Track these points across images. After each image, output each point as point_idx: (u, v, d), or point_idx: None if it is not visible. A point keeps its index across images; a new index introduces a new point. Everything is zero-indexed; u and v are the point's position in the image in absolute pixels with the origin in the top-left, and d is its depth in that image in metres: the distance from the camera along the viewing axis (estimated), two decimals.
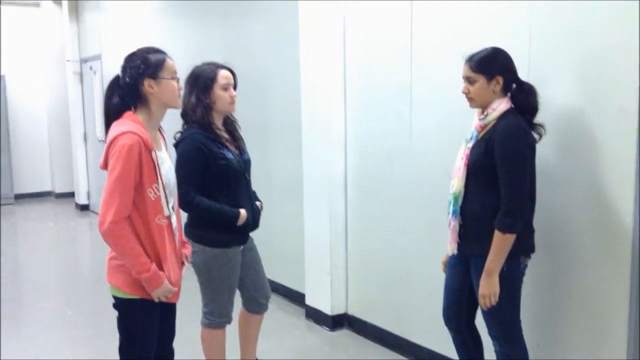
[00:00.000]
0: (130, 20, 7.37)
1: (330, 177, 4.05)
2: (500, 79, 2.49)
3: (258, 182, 3.26)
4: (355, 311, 4.13)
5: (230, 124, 3.06)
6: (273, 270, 3.81)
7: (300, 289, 4.52)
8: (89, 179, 9.43)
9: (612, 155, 2.50)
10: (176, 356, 2.62)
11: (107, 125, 2.34)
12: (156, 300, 2.32)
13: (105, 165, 2.27)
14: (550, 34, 2.72)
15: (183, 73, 2.87)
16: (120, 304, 2.35)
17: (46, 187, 10.67)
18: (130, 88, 2.30)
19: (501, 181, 2.46)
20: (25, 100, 10.30)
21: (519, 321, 2.63)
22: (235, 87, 2.99)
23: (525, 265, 2.62)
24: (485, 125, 2.57)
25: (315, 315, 4.30)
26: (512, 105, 2.53)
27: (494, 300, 2.50)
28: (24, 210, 9.57)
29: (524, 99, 2.51)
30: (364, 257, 4.03)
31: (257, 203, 3.13)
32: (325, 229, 4.10)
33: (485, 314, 2.63)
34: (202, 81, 2.90)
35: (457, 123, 3.18)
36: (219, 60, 3.03)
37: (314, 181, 4.18)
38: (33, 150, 10.44)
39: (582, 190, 2.63)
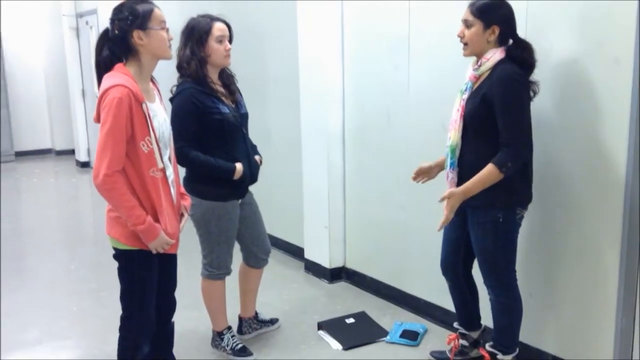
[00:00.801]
0: None
1: (328, 130, 4.05)
2: (497, 29, 2.49)
3: (256, 136, 3.26)
4: (353, 264, 4.20)
5: (226, 77, 3.04)
6: (272, 224, 3.85)
7: (299, 243, 4.58)
8: (88, 136, 9.41)
9: (608, 106, 2.50)
10: (178, 306, 2.68)
11: (99, 78, 2.33)
12: (153, 251, 2.36)
13: (98, 119, 2.27)
14: None
15: (177, 28, 2.84)
16: (119, 255, 2.39)
17: (46, 145, 10.67)
18: (120, 40, 2.28)
19: (501, 128, 2.46)
20: (22, 56, 10.21)
21: (514, 271, 2.68)
22: (230, 40, 2.97)
23: (522, 217, 2.65)
24: (480, 76, 2.57)
25: (313, 269, 4.37)
26: (506, 56, 2.50)
27: (444, 221, 2.54)
28: (25, 168, 9.60)
29: (519, 55, 2.50)
30: (362, 211, 4.07)
31: (257, 157, 3.14)
32: (324, 183, 4.12)
33: (481, 263, 2.68)
34: (196, 33, 2.87)
35: (455, 75, 3.16)
36: (215, 13, 3.00)
37: (312, 135, 4.18)
38: (32, 107, 10.40)
39: (577, 140, 2.64)
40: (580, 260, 2.69)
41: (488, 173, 2.46)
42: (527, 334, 2.89)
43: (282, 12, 4.48)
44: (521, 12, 2.71)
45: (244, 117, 3.06)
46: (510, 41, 2.54)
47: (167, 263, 2.50)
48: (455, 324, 3.01)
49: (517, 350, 2.76)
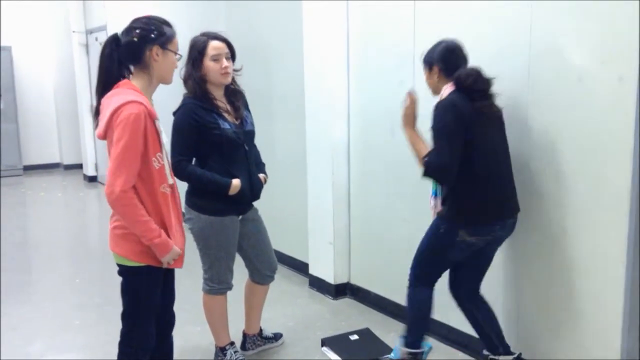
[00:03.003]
0: None
1: (333, 146, 4.06)
2: (436, 68, 2.71)
3: (261, 152, 3.27)
4: (358, 280, 4.18)
5: (231, 94, 3.05)
6: (277, 239, 3.84)
7: (304, 259, 4.57)
8: (96, 151, 9.48)
9: (612, 122, 2.50)
10: (181, 321, 2.67)
11: (101, 88, 2.31)
12: (165, 265, 2.36)
13: (104, 135, 2.26)
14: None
15: (186, 45, 2.87)
16: (126, 272, 2.38)
17: (55, 159, 10.75)
18: (134, 49, 2.28)
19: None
20: (32, 72, 10.34)
21: (435, 275, 2.87)
22: (233, 58, 2.98)
23: (465, 242, 2.66)
24: None
25: (318, 284, 4.35)
26: (456, 88, 2.63)
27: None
28: (33, 181, 9.67)
29: (465, 83, 2.61)
30: (367, 227, 4.06)
31: (261, 175, 3.13)
32: (328, 198, 4.12)
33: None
34: (193, 53, 2.90)
35: None
36: (221, 29, 3.02)
37: (317, 151, 4.19)
38: (41, 121, 10.51)
39: (583, 158, 2.64)
40: (586, 277, 2.67)
41: (419, 150, 2.72)
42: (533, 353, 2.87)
43: (288, 28, 4.52)
44: (524, 31, 2.74)
45: (248, 134, 3.05)
46: (457, 72, 2.65)
47: (167, 277, 2.50)
48: (484, 351, 2.97)
49: (421, 349, 2.87)
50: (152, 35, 2.28)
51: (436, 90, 2.75)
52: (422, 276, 2.87)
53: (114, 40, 2.31)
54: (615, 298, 2.54)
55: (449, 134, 2.55)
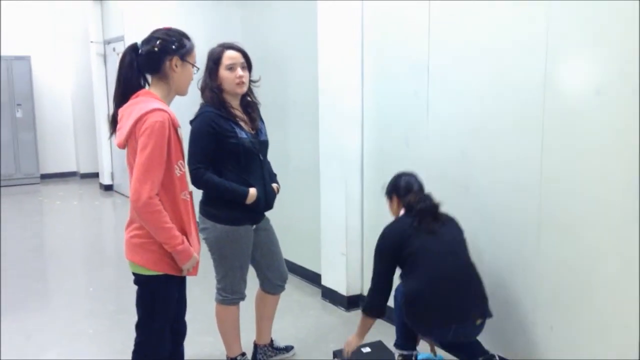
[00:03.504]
0: (153, 2, 7.42)
1: (346, 157, 4.06)
2: (394, 196, 3.10)
3: (274, 162, 3.28)
4: None
5: (246, 104, 3.07)
6: (289, 249, 3.85)
7: (317, 269, 4.56)
8: (112, 160, 9.57)
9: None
10: (194, 331, 2.67)
11: (119, 96, 2.34)
12: (184, 273, 2.37)
13: (124, 144, 2.29)
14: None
15: (203, 56, 2.90)
16: (144, 281, 2.38)
17: (71, 168, 10.86)
18: (154, 59, 2.31)
19: None
20: (50, 81, 10.47)
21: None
22: (249, 68, 3.00)
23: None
24: None
25: (330, 296, 4.34)
26: (405, 211, 3.01)
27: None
28: (49, 190, 9.77)
29: (409, 206, 3.00)
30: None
31: (274, 185, 3.14)
32: (341, 209, 4.12)
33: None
34: (209, 63, 2.94)
35: (474, 102, 3.17)
36: (238, 39, 3.04)
37: (331, 161, 4.19)
38: (58, 130, 10.63)
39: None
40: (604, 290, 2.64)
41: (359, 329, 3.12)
42: None
43: (302, 38, 4.54)
44: (540, 37, 2.73)
45: (263, 144, 3.07)
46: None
47: (179, 286, 2.51)
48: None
49: (414, 352, 3.04)
50: (173, 47, 2.32)
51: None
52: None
53: (133, 50, 2.34)
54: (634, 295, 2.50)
55: (380, 261, 2.99)
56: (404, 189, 3.07)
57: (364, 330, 3.11)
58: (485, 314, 2.84)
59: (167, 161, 2.26)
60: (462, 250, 2.93)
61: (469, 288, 2.83)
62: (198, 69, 2.46)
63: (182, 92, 2.43)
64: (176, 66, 2.33)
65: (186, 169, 2.35)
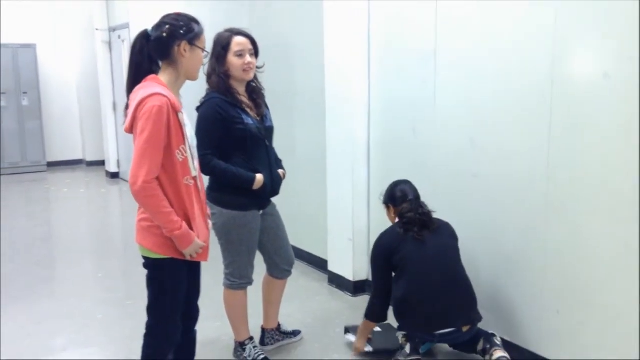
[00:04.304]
0: None
1: (353, 144, 4.06)
2: (390, 205, 3.24)
3: (281, 149, 3.29)
4: None
5: (252, 91, 3.07)
6: (296, 236, 3.86)
7: (323, 255, 4.58)
8: (118, 148, 9.60)
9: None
10: (202, 316, 2.69)
11: (131, 83, 2.36)
12: (187, 257, 2.38)
13: (130, 129, 2.30)
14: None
15: (209, 45, 2.90)
16: (151, 264, 2.41)
17: (77, 156, 10.90)
18: (164, 44, 2.32)
19: None
20: (56, 69, 10.48)
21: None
22: (257, 54, 3.00)
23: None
24: None
25: (337, 281, 4.36)
26: (397, 219, 3.14)
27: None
28: (56, 178, 9.81)
29: (400, 214, 3.13)
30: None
31: (280, 171, 3.15)
32: (348, 196, 4.13)
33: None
34: (217, 48, 2.93)
35: (482, 91, 3.17)
36: (244, 25, 3.03)
37: (337, 148, 4.19)
38: (64, 119, 10.66)
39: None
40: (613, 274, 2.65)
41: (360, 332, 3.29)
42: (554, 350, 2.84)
43: (309, 27, 4.53)
44: (548, 30, 2.71)
45: (269, 130, 3.08)
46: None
47: (192, 271, 2.52)
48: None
49: None
50: (181, 31, 2.32)
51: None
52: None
53: (144, 36, 2.36)
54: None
55: (375, 271, 3.15)
56: (400, 199, 3.21)
57: (365, 333, 3.27)
58: (474, 320, 2.91)
59: (168, 146, 2.26)
60: (451, 257, 3.01)
61: (454, 296, 2.92)
62: (208, 53, 2.45)
63: (193, 77, 2.43)
64: (185, 51, 2.33)
65: (188, 154, 2.33)
